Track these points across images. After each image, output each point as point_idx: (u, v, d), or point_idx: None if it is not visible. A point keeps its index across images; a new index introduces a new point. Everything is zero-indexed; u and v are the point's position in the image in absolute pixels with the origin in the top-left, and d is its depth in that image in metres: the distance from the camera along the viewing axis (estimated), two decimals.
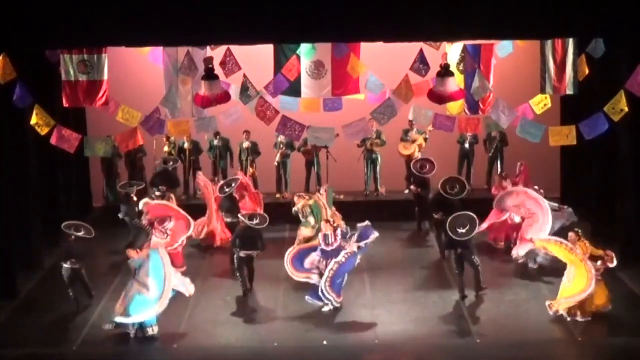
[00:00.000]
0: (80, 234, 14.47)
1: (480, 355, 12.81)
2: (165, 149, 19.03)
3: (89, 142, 15.40)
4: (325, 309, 13.91)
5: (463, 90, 16.03)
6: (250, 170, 18.71)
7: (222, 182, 17.31)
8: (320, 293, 13.86)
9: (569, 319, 13.41)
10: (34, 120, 14.84)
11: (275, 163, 19.18)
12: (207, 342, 13.22)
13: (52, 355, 12.94)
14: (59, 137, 15.10)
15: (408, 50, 15.72)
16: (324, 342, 13.05)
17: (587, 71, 15.94)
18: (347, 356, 12.86)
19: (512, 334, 13.21)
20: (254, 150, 19.07)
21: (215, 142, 19.14)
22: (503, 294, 14.62)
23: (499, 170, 19.29)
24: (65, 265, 14.22)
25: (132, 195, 16.94)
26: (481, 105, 16.60)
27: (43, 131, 14.95)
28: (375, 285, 15.05)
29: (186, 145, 19.02)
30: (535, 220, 15.47)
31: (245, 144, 19.01)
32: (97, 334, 13.41)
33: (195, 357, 13.00)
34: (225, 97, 15.45)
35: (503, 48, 16.57)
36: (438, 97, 15.61)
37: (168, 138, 18.80)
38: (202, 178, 17.63)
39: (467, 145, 19.38)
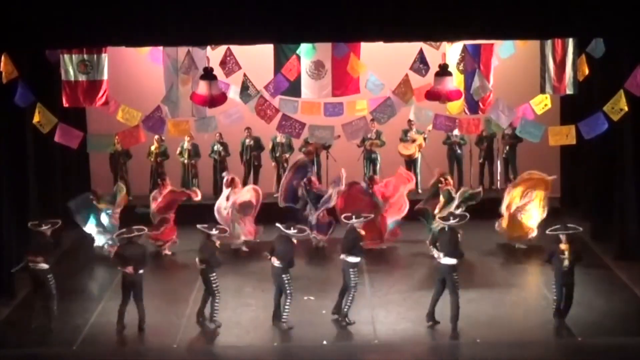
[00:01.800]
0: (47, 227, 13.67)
1: (480, 355, 12.80)
2: (153, 148, 19.02)
3: (91, 139, 15.46)
4: None
5: (460, 91, 16.02)
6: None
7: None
8: None
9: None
10: (36, 118, 14.87)
11: (274, 163, 19.20)
12: (207, 342, 13.21)
13: (52, 355, 12.93)
14: (62, 134, 15.14)
15: (408, 50, 15.73)
16: (324, 342, 13.05)
17: (587, 71, 15.95)
18: (347, 356, 12.86)
19: (512, 334, 13.20)
20: (257, 146, 19.10)
21: (247, 141, 19.10)
22: (503, 294, 14.62)
23: (498, 170, 19.33)
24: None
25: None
26: (481, 105, 16.61)
27: (45, 129, 14.98)
28: (375, 285, 15.06)
29: (186, 145, 19.01)
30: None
31: (248, 141, 19.03)
32: (97, 334, 13.41)
33: (196, 357, 13.01)
34: (221, 98, 15.43)
35: (505, 49, 16.57)
36: (434, 95, 15.62)
37: (160, 140, 18.81)
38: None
39: (456, 147, 19.33)
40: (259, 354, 12.92)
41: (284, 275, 13.29)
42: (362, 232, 13.84)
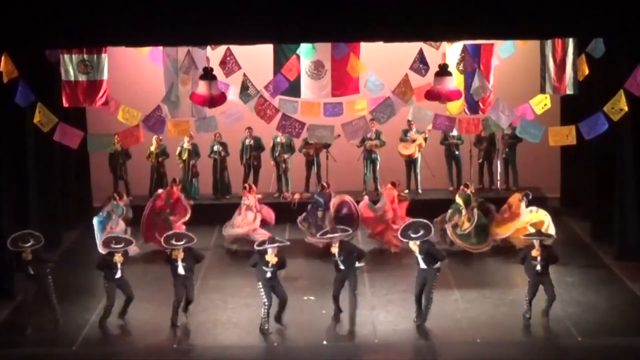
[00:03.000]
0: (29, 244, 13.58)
1: (479, 355, 12.80)
2: (152, 148, 19.02)
3: (91, 138, 15.47)
4: None
5: (460, 91, 16.01)
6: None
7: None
8: None
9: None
10: (37, 118, 14.87)
11: (273, 163, 19.20)
12: (207, 342, 13.21)
13: (52, 355, 12.92)
14: (62, 134, 15.14)
15: (408, 50, 15.73)
16: (324, 342, 13.05)
17: (587, 71, 15.94)
18: (347, 356, 12.85)
19: (512, 334, 13.21)
20: (257, 146, 19.10)
21: (247, 141, 19.10)
22: (503, 294, 14.61)
23: (498, 171, 19.33)
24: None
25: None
26: (481, 105, 16.60)
27: (46, 129, 14.99)
28: (375, 285, 15.05)
29: (186, 145, 18.99)
30: None
31: (248, 141, 19.04)
32: (97, 334, 13.41)
33: (195, 357, 13.00)
34: (221, 98, 15.41)
35: (505, 49, 16.55)
36: (434, 95, 15.61)
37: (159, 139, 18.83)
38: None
39: (453, 147, 19.32)
40: (259, 354, 12.92)
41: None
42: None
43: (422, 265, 13.38)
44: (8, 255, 14.61)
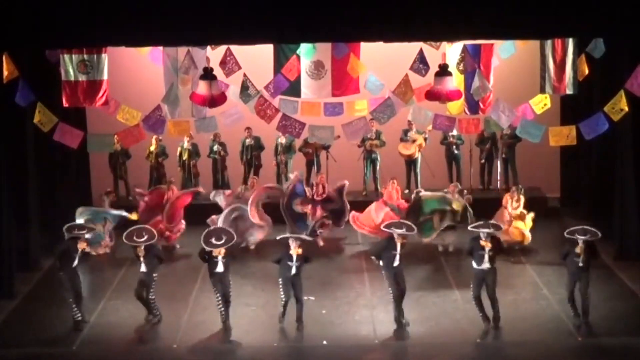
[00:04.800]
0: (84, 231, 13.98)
1: (480, 355, 12.81)
2: (152, 148, 19.00)
3: (91, 138, 15.47)
4: None
5: (460, 90, 16.02)
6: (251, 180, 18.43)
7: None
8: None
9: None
10: (37, 118, 14.88)
11: (274, 162, 19.20)
12: (207, 342, 13.22)
13: (52, 355, 12.92)
14: (62, 134, 15.16)
15: (408, 50, 15.74)
16: (324, 342, 13.05)
17: (587, 71, 15.95)
18: (347, 356, 12.85)
19: (512, 334, 13.21)
20: (257, 146, 19.10)
21: (248, 141, 19.10)
22: (503, 294, 14.56)
23: (498, 171, 19.32)
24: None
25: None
26: (481, 105, 16.60)
27: (46, 128, 15.00)
28: (375, 285, 15.04)
29: (185, 145, 18.98)
30: None
31: (248, 141, 19.03)
32: (97, 334, 13.41)
33: (196, 357, 13.00)
34: (221, 98, 15.42)
35: (506, 49, 16.56)
36: (435, 95, 15.62)
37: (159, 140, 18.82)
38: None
39: (453, 147, 19.30)
40: (259, 354, 12.92)
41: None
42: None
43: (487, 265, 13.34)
44: (8, 256, 14.68)
